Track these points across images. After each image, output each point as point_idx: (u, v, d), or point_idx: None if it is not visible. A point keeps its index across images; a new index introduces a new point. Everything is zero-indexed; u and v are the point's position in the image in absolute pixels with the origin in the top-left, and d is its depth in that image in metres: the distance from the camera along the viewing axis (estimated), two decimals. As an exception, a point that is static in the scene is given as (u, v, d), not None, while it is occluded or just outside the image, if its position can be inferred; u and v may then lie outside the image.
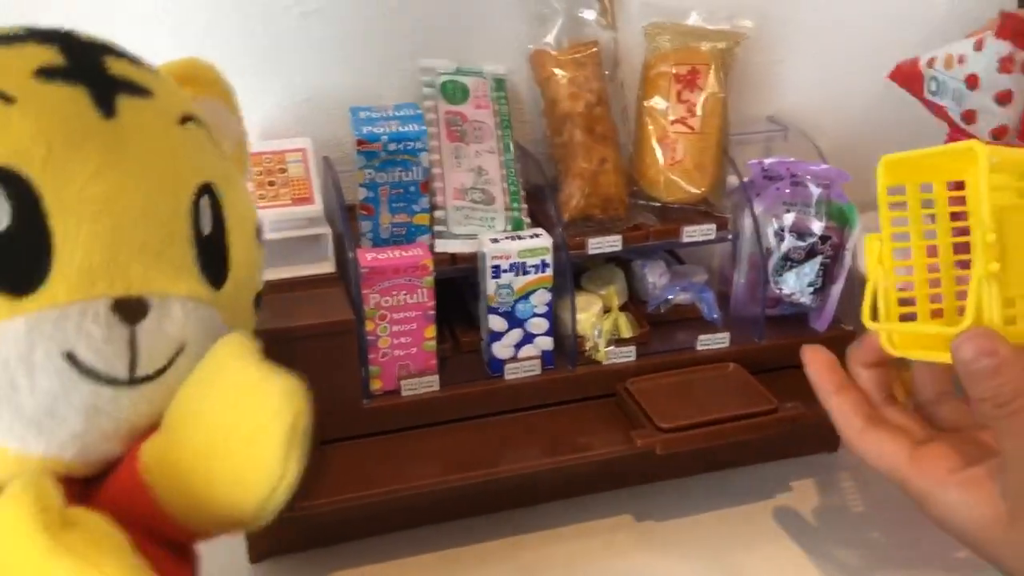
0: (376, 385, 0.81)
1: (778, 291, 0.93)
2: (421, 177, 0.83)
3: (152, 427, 0.49)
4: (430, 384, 0.82)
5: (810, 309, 0.93)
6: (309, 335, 0.76)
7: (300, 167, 0.86)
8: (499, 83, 0.93)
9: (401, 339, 0.81)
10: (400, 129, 0.81)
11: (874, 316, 0.63)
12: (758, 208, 0.92)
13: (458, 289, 0.95)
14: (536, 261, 0.83)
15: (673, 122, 0.92)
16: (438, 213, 0.85)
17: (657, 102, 0.93)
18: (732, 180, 0.94)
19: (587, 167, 0.89)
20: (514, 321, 0.84)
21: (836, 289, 0.92)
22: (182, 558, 0.51)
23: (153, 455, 0.48)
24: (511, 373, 0.85)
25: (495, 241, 0.82)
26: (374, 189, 0.82)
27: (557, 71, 0.91)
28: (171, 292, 0.47)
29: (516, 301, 0.84)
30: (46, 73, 0.46)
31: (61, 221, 0.44)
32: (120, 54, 0.51)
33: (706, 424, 0.81)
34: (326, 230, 0.84)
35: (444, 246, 0.85)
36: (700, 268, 0.99)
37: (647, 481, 0.89)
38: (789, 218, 0.93)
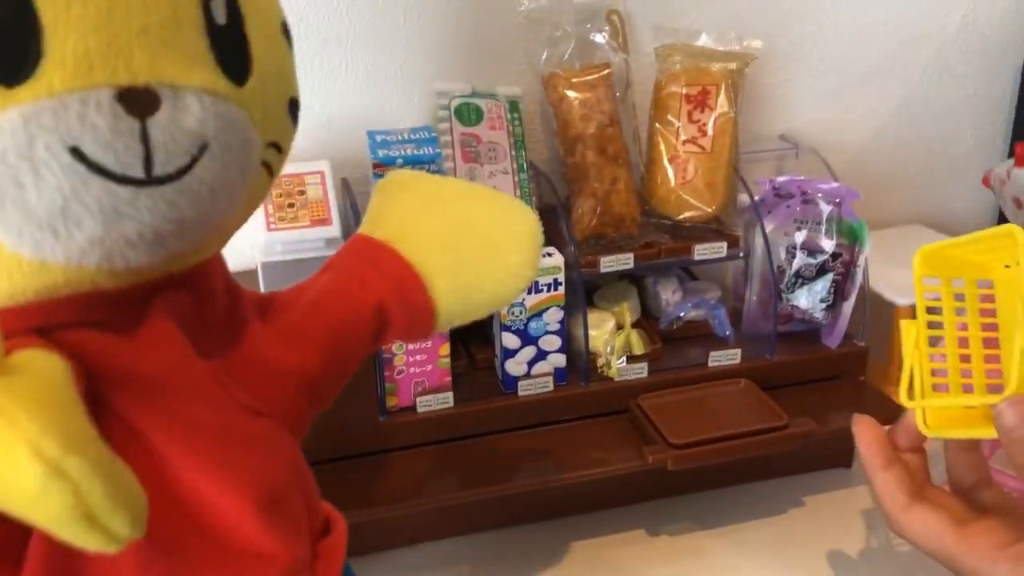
0: (392, 402, 0.83)
1: (790, 308, 0.94)
2: (436, 198, 0.84)
3: (179, 233, 0.44)
4: (445, 401, 0.84)
5: (822, 325, 0.94)
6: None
7: (318, 189, 0.88)
8: (513, 105, 0.95)
9: (416, 356, 0.82)
10: (415, 152, 0.83)
11: (910, 396, 0.65)
12: (769, 226, 0.94)
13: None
14: (548, 280, 0.84)
15: (684, 142, 0.94)
16: (453, 233, 0.87)
17: (668, 122, 0.94)
18: (743, 198, 0.95)
19: (599, 187, 0.91)
20: (527, 338, 0.86)
21: (847, 306, 0.93)
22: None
23: (429, 261, 0.56)
24: (524, 390, 0.86)
25: (508, 260, 0.84)
26: (390, 210, 0.84)
27: (570, 93, 0.93)
28: (184, 83, 0.42)
29: (529, 319, 0.85)
30: None
31: (49, 1, 0.39)
32: None
33: (717, 440, 0.82)
34: (343, 250, 0.86)
35: (459, 265, 0.86)
36: (713, 284, 1.01)
37: (660, 496, 0.90)
38: (800, 236, 0.94)
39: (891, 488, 0.64)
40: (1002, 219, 0.97)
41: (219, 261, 0.53)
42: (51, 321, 0.44)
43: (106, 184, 0.40)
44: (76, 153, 0.39)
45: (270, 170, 0.50)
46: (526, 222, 0.59)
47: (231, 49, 0.45)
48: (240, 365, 0.51)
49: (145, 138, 0.40)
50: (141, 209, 0.41)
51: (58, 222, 0.40)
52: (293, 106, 0.51)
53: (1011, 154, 1.15)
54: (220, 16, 0.44)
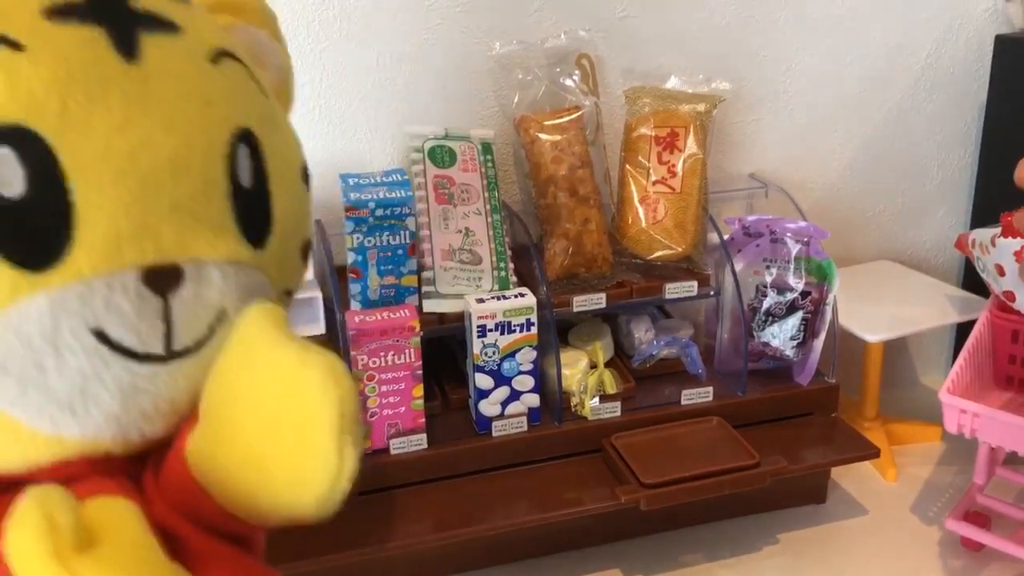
0: (365, 445, 0.83)
1: (761, 346, 0.95)
2: (408, 240, 0.85)
3: (194, 402, 0.43)
4: (418, 443, 0.84)
5: (793, 363, 0.95)
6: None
7: (291, 232, 0.88)
8: (486, 147, 0.96)
9: (389, 399, 0.82)
10: (387, 195, 0.84)
11: None
12: (739, 264, 0.95)
13: (448, 346, 0.97)
14: (521, 320, 0.85)
15: (654, 183, 0.95)
16: (426, 273, 0.88)
17: (639, 163, 0.95)
18: (713, 237, 0.96)
19: (571, 227, 0.92)
20: (500, 379, 0.86)
21: (818, 343, 0.94)
22: (242, 547, 0.47)
23: (200, 453, 0.43)
24: (498, 431, 0.87)
25: (480, 301, 0.85)
26: (362, 253, 0.84)
27: (541, 135, 0.94)
28: (208, 256, 0.41)
29: (502, 359, 0.86)
30: (58, 12, 0.39)
31: (82, 184, 0.38)
32: None
33: (690, 479, 0.82)
34: (316, 294, 0.86)
35: (432, 306, 0.87)
36: (686, 322, 1.01)
37: (635, 535, 0.90)
38: (770, 274, 0.95)
39: None
40: (970, 269, 0.99)
41: None
42: (67, 475, 0.43)
43: (127, 363, 0.40)
44: (100, 336, 0.39)
45: None
46: (323, 428, 0.41)
47: (255, 212, 0.44)
48: None
49: (167, 316, 0.40)
50: (159, 384, 0.42)
51: (77, 401, 0.40)
52: (305, 248, 0.50)
53: (974, 207, 1.17)
54: (246, 179, 0.44)
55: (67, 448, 0.42)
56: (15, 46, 0.38)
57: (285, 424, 0.41)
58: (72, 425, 0.41)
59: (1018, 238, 0.86)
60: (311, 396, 0.40)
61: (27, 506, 0.38)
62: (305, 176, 0.50)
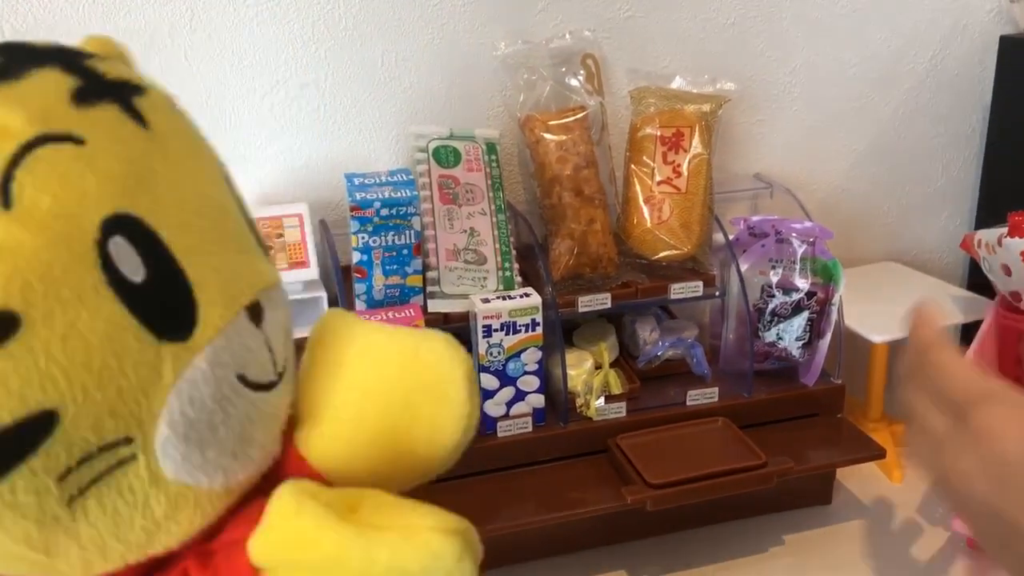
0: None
1: (766, 346, 0.95)
2: (413, 240, 0.85)
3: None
4: (424, 443, 0.84)
5: (798, 363, 0.95)
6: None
7: (296, 232, 0.88)
8: (491, 147, 0.96)
9: (395, 398, 0.82)
10: (392, 195, 0.84)
11: None
12: (744, 265, 0.95)
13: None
14: (526, 320, 0.85)
15: (659, 183, 0.95)
16: (431, 274, 0.88)
17: (644, 163, 0.95)
18: (718, 238, 0.96)
19: (576, 227, 0.92)
20: (506, 379, 0.86)
21: (823, 344, 0.94)
22: None
23: (323, 449, 0.47)
24: (504, 431, 0.86)
25: (486, 301, 0.84)
26: (367, 252, 0.84)
27: (546, 135, 0.94)
28: (268, 283, 0.45)
29: (507, 359, 0.85)
30: (80, 98, 0.41)
31: (182, 249, 0.41)
32: (84, 53, 0.45)
33: (695, 480, 0.82)
34: (321, 293, 0.86)
35: (437, 306, 0.87)
36: (691, 323, 1.01)
37: (641, 536, 0.90)
38: (775, 274, 0.95)
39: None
40: (975, 270, 0.99)
41: None
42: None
43: (264, 396, 0.44)
44: (242, 379, 0.43)
45: None
46: (457, 391, 0.48)
47: (257, 234, 0.48)
48: None
49: (268, 343, 0.44)
50: (279, 406, 0.46)
51: (239, 447, 0.43)
52: None
53: (979, 208, 1.17)
54: (244, 206, 0.48)
55: (233, 495, 0.45)
56: (78, 141, 0.40)
57: (420, 388, 0.46)
58: (238, 471, 0.44)
59: (1020, 238, 0.86)
60: (443, 357, 0.46)
61: (294, 499, 0.41)
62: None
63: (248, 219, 0.47)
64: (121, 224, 0.39)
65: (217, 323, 0.41)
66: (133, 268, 0.39)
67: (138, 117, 0.42)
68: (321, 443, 0.47)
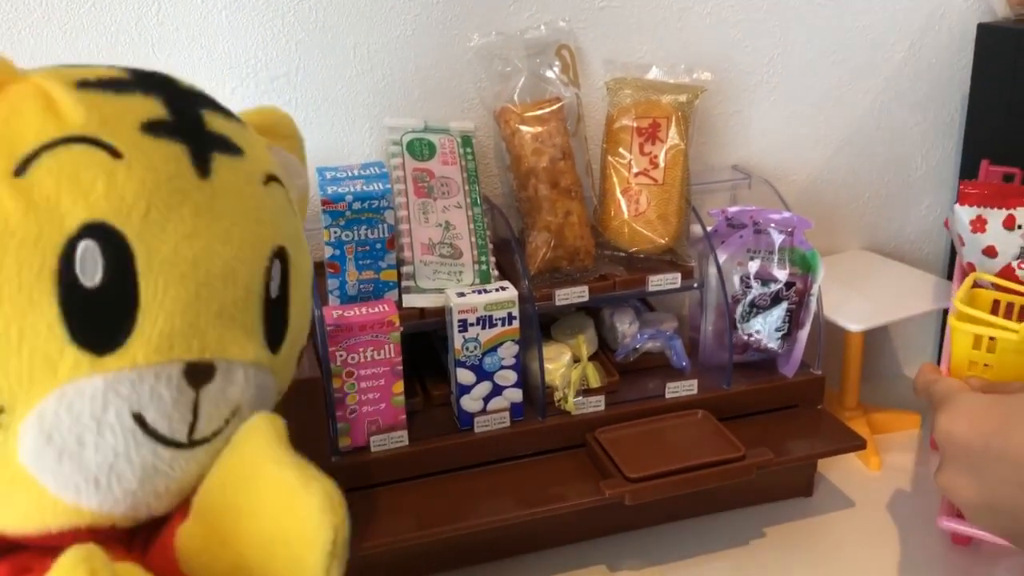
0: (345, 442, 0.82)
1: (745, 337, 0.94)
2: (387, 234, 0.84)
3: (196, 485, 0.48)
4: (399, 440, 0.83)
5: (777, 355, 0.95)
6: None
7: (268, 227, 0.87)
8: (466, 140, 0.94)
9: (369, 395, 0.81)
10: (365, 188, 0.83)
11: None
12: (722, 256, 0.94)
13: (430, 341, 0.96)
14: (503, 314, 0.84)
15: (636, 174, 0.94)
16: (406, 268, 0.87)
17: (620, 155, 0.94)
18: (696, 229, 0.95)
19: (553, 220, 0.91)
20: (482, 374, 0.85)
21: (803, 334, 0.93)
22: None
23: (191, 549, 0.48)
24: (481, 427, 0.85)
25: (461, 295, 0.83)
26: (340, 247, 0.83)
27: (522, 127, 0.93)
28: (239, 357, 0.47)
29: (484, 354, 0.84)
30: (152, 128, 0.45)
31: (150, 282, 0.43)
32: (216, 106, 0.51)
33: (674, 473, 0.81)
34: (294, 288, 0.85)
35: (412, 301, 0.86)
36: (670, 315, 1.01)
37: (620, 530, 0.89)
38: (754, 265, 0.94)
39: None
40: (954, 261, 1.00)
41: None
42: (62, 544, 0.46)
43: (154, 447, 0.45)
44: (138, 419, 0.44)
45: None
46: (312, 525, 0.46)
47: (275, 321, 0.50)
48: None
49: (196, 407, 0.46)
50: (176, 468, 0.46)
51: (103, 476, 0.44)
52: (301, 353, 0.57)
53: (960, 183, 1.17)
54: (275, 290, 0.50)
55: (82, 517, 0.46)
56: (116, 154, 0.44)
57: (280, 540, 0.46)
58: (93, 497, 0.45)
59: (974, 206, 0.86)
60: (310, 518, 0.45)
61: (72, 563, 0.41)
62: (312, 290, 0.57)
63: (275, 302, 0.49)
64: (102, 233, 0.42)
65: (139, 358, 0.43)
66: (90, 273, 0.42)
67: (202, 166, 0.46)
68: (190, 541, 0.48)
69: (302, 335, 0.56)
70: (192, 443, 0.46)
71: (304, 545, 0.45)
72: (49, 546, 0.46)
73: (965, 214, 0.87)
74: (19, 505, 0.45)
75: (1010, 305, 0.83)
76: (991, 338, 0.76)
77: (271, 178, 0.52)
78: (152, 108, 0.46)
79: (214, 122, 0.49)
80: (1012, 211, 0.86)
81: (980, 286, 0.87)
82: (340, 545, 0.46)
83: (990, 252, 0.86)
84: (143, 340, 0.43)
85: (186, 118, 0.47)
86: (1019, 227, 0.86)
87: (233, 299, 0.47)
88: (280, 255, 0.50)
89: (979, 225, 0.86)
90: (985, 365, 0.77)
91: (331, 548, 0.46)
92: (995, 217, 0.86)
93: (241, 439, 0.48)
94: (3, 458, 0.44)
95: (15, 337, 0.42)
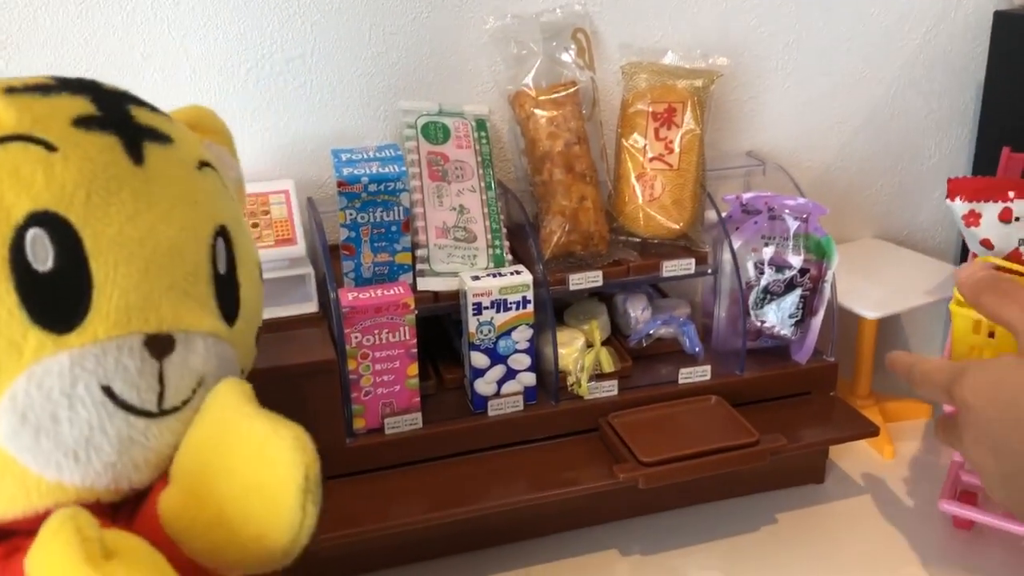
0: (359, 424, 0.82)
1: (759, 324, 0.94)
2: (402, 216, 0.84)
3: (172, 455, 0.51)
4: (413, 422, 0.83)
5: (791, 341, 0.94)
6: (291, 375, 0.77)
7: (283, 209, 0.87)
8: (480, 123, 0.94)
9: (384, 377, 0.81)
10: (380, 170, 0.82)
11: None
12: (737, 242, 0.94)
13: (443, 326, 0.96)
14: (517, 297, 0.84)
15: (651, 159, 0.94)
16: (420, 251, 0.86)
17: (635, 140, 0.94)
18: (711, 215, 0.95)
19: (567, 204, 0.91)
20: (496, 357, 0.85)
21: (816, 321, 0.93)
22: None
23: (172, 512, 0.50)
24: (494, 410, 0.85)
25: (476, 279, 0.83)
26: (355, 229, 0.83)
27: (537, 111, 0.92)
28: (196, 328, 0.50)
29: (498, 337, 0.84)
30: (83, 123, 0.48)
31: (100, 262, 0.46)
32: (140, 103, 0.53)
33: (688, 457, 0.81)
34: (308, 270, 0.85)
35: (426, 284, 0.86)
36: (683, 301, 1.00)
37: (633, 515, 0.90)
38: (768, 252, 0.94)
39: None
40: (967, 250, 0.99)
41: None
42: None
43: (127, 417, 0.48)
44: (107, 391, 0.47)
45: None
46: (283, 465, 0.47)
47: (227, 295, 0.53)
48: None
49: (162, 377, 0.48)
50: (150, 437, 0.49)
51: (81, 450, 0.47)
52: (258, 334, 0.60)
53: (974, 172, 1.17)
54: (222, 266, 0.53)
55: (67, 494, 0.48)
56: (50, 148, 0.47)
57: (254, 487, 0.48)
58: (75, 472, 0.47)
59: (966, 201, 0.85)
60: (280, 461, 0.47)
61: (58, 522, 0.44)
62: (259, 271, 0.60)
63: (224, 277, 0.53)
64: (49, 221, 0.46)
65: (99, 333, 0.46)
66: (42, 258, 0.45)
67: (136, 153, 0.49)
68: (170, 504, 0.50)
69: (257, 314, 0.59)
70: (163, 412, 0.49)
71: (278, 486, 0.47)
72: (37, 529, 0.47)
73: (957, 209, 0.86)
74: (4, 488, 0.47)
75: None
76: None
77: (204, 164, 0.55)
78: (81, 106, 0.49)
79: (141, 115, 0.52)
80: (1008, 204, 0.84)
81: None
82: (313, 481, 0.48)
83: (987, 244, 0.85)
84: (101, 316, 0.46)
85: (114, 113, 0.50)
86: (1017, 219, 0.84)
87: (183, 274, 0.49)
88: (223, 234, 0.53)
89: (972, 219, 0.85)
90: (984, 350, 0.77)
91: (304, 484, 0.47)
92: (989, 210, 0.84)
93: (209, 403, 0.51)
94: None
95: None
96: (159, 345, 0.48)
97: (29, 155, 0.46)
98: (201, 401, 0.50)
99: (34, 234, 0.45)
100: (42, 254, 0.45)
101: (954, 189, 0.86)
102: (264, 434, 0.48)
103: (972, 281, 0.59)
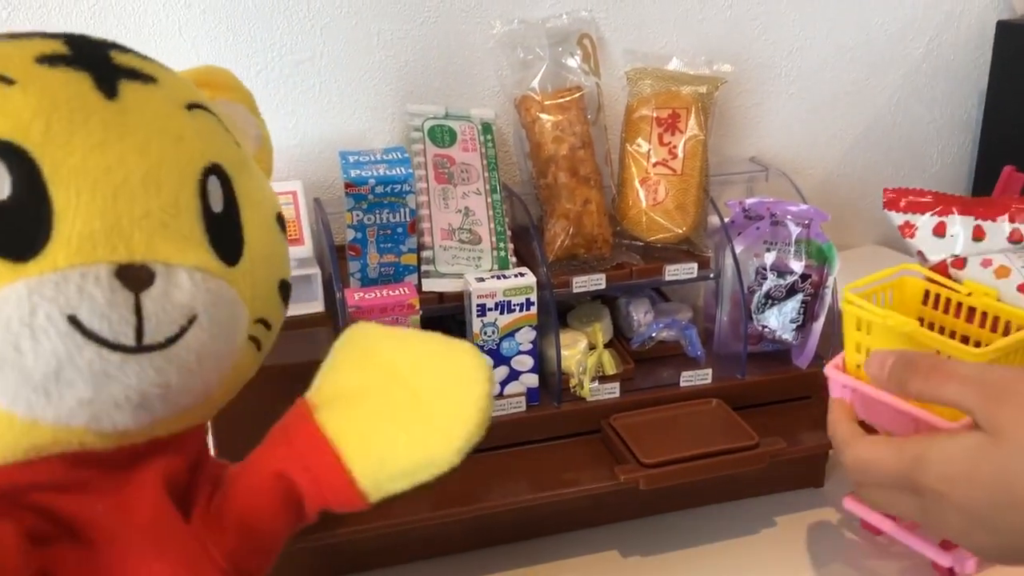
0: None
1: (760, 328, 0.95)
2: (408, 218, 0.85)
3: (163, 398, 0.48)
4: (417, 421, 0.84)
5: (792, 346, 0.95)
6: (297, 373, 0.77)
7: (291, 209, 0.88)
8: (486, 127, 0.95)
9: (388, 377, 0.82)
10: (387, 172, 0.83)
11: None
12: (739, 247, 0.95)
13: (447, 327, 0.96)
14: (521, 299, 0.85)
15: (655, 164, 0.94)
16: (426, 253, 0.87)
17: (639, 145, 0.95)
18: (713, 220, 0.96)
19: (571, 208, 0.92)
20: (500, 359, 0.86)
21: (817, 326, 0.94)
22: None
23: (339, 427, 0.52)
24: (497, 410, 0.86)
25: (480, 280, 0.84)
26: (362, 230, 0.84)
27: (542, 115, 0.93)
28: (177, 261, 0.47)
29: (501, 339, 0.85)
30: (48, 60, 0.47)
31: (61, 190, 0.44)
32: (126, 50, 0.51)
33: (688, 459, 0.82)
34: (315, 271, 0.86)
35: (431, 285, 0.87)
36: (685, 305, 1.01)
37: (633, 517, 0.90)
38: (770, 257, 0.95)
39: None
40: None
41: (203, 429, 0.58)
42: (36, 480, 0.48)
43: (99, 350, 0.45)
44: (73, 321, 0.44)
45: (258, 345, 0.55)
46: (476, 382, 0.52)
47: (225, 234, 0.51)
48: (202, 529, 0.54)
49: (138, 310, 0.45)
50: (129, 374, 0.46)
51: (51, 384, 0.44)
52: (284, 288, 0.58)
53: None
54: (216, 205, 0.50)
55: (42, 434, 0.46)
56: (8, 81, 0.45)
57: (451, 377, 0.51)
58: (47, 408, 0.45)
59: (900, 212, 0.85)
60: (471, 362, 0.51)
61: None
62: (281, 222, 0.58)
63: (218, 216, 0.50)
64: (3, 151, 0.44)
65: (59, 262, 0.44)
66: None
67: (108, 89, 0.47)
68: (343, 420, 0.52)
69: (273, 261, 0.56)
70: (142, 348, 0.46)
71: (471, 382, 0.51)
72: (34, 483, 0.47)
73: (893, 219, 0.86)
74: None
75: (938, 296, 0.82)
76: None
77: (195, 106, 0.52)
78: (51, 46, 0.48)
79: (121, 58, 0.50)
80: (943, 219, 0.84)
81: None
82: (492, 384, 0.52)
83: (920, 256, 0.85)
84: (62, 243, 0.44)
85: (88, 54, 0.48)
86: (951, 234, 0.83)
87: (160, 205, 0.47)
88: (216, 172, 0.51)
89: (908, 231, 0.85)
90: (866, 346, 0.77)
91: (488, 386, 0.51)
92: (925, 224, 0.84)
93: (355, 334, 0.57)
94: None
95: None
96: (133, 276, 0.45)
97: None
98: (194, 340, 0.48)
99: None
100: None
101: (889, 201, 0.86)
102: (446, 341, 0.53)
103: (887, 372, 0.58)
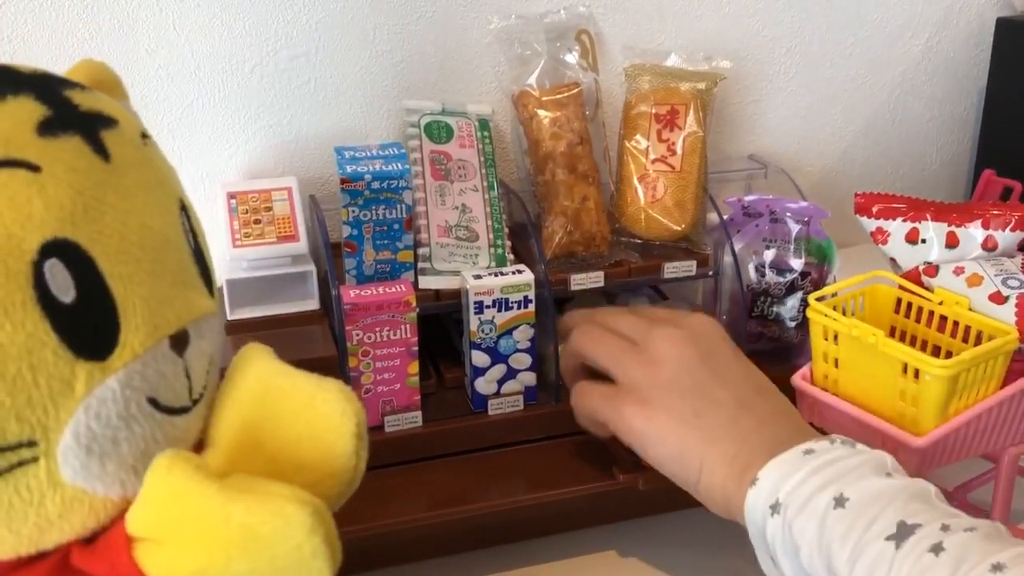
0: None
1: (760, 326, 0.94)
2: (405, 215, 0.84)
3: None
4: (413, 420, 0.83)
5: (791, 344, 0.95)
6: (292, 371, 0.76)
7: (285, 205, 0.87)
8: (483, 123, 0.94)
9: (384, 375, 0.81)
10: (384, 168, 0.82)
11: None
12: (738, 245, 0.94)
13: (443, 325, 0.96)
14: (519, 297, 0.84)
15: (654, 161, 0.94)
16: (422, 250, 0.87)
17: (638, 141, 0.94)
18: (712, 217, 0.95)
19: (569, 205, 0.91)
20: (497, 357, 0.85)
21: (817, 324, 0.93)
22: None
23: (219, 470, 0.50)
24: (494, 409, 0.85)
25: (478, 277, 0.83)
26: (358, 227, 0.83)
27: (540, 111, 0.93)
28: (199, 313, 0.49)
29: (499, 337, 0.84)
30: (46, 128, 0.45)
31: (116, 277, 0.45)
32: (64, 81, 0.49)
33: (688, 458, 0.81)
34: (310, 267, 0.85)
35: (428, 282, 0.86)
36: (684, 303, 1.01)
37: (632, 517, 0.89)
38: (769, 254, 0.94)
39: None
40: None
41: None
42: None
43: (172, 419, 0.48)
44: (152, 402, 0.47)
45: None
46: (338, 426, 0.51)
47: (203, 267, 0.52)
48: None
49: (188, 372, 0.48)
50: (189, 429, 0.50)
51: (140, 463, 0.47)
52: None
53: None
54: (191, 241, 0.51)
55: (128, 503, 0.47)
56: (33, 168, 0.43)
57: (307, 436, 0.49)
58: (136, 484, 0.47)
59: (871, 218, 0.85)
60: (333, 410, 0.49)
61: (164, 462, 0.45)
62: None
63: (197, 251, 0.52)
64: (60, 248, 0.43)
65: (136, 348, 0.45)
66: (64, 289, 0.43)
67: (101, 150, 0.46)
68: (216, 463, 0.50)
69: (214, 273, 0.57)
70: (194, 403, 0.49)
71: (333, 435, 0.50)
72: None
73: (865, 224, 0.85)
74: (76, 519, 0.47)
75: (910, 305, 0.80)
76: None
77: (143, 134, 0.51)
78: (32, 108, 0.45)
79: (78, 98, 0.48)
80: (916, 224, 0.82)
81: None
82: (363, 428, 0.51)
83: (893, 263, 0.85)
84: (133, 331, 0.45)
85: (62, 107, 0.46)
86: (923, 241, 0.81)
87: (177, 263, 0.49)
88: (184, 208, 0.52)
89: (880, 237, 0.83)
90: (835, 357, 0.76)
91: (357, 431, 0.50)
92: (897, 230, 0.83)
93: (239, 368, 0.52)
94: (52, 483, 0.45)
95: (28, 374, 0.42)
96: (180, 342, 0.48)
97: (17, 180, 0.42)
98: (213, 379, 0.51)
99: (51, 266, 0.42)
100: (63, 284, 0.43)
101: (860, 206, 0.85)
102: (310, 388, 0.50)
103: (572, 332, 0.68)
